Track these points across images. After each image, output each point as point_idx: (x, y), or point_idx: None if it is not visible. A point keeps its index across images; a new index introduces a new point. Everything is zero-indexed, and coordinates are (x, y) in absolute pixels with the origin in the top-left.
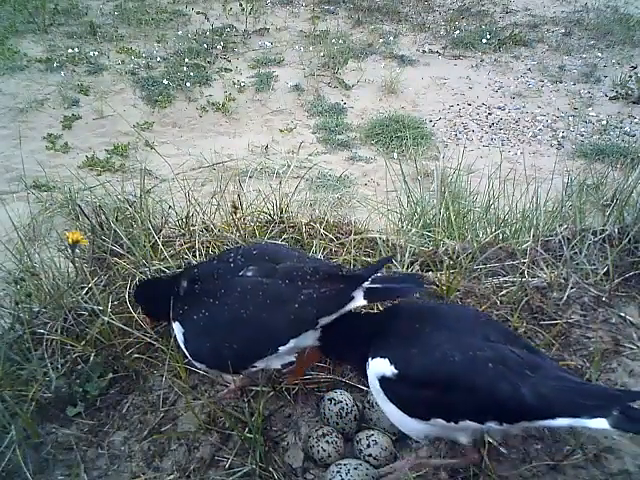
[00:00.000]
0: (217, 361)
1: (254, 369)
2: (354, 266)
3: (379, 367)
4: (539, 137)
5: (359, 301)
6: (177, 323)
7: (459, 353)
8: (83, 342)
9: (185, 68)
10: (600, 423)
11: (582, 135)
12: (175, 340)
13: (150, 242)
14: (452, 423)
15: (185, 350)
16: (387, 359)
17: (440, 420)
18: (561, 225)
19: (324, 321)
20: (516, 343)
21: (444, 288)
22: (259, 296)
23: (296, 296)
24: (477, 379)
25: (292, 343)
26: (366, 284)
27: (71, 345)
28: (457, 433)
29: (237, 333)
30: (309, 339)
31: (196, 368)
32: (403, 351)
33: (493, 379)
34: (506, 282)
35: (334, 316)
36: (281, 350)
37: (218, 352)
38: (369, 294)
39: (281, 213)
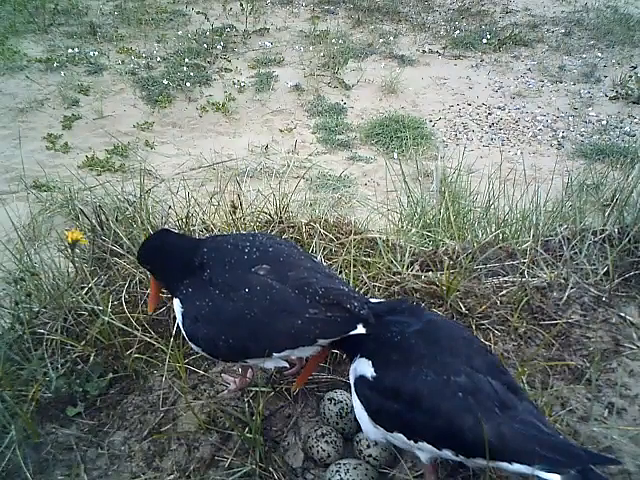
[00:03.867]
0: (211, 349)
1: (245, 364)
2: (354, 267)
3: (362, 367)
4: (539, 137)
5: (360, 330)
6: (178, 300)
7: (433, 373)
8: (83, 342)
9: (185, 68)
10: (554, 479)
11: (582, 135)
12: (175, 339)
13: None
14: (412, 441)
15: (182, 327)
16: (371, 361)
17: (401, 435)
18: (561, 225)
19: (323, 342)
20: (498, 377)
21: (444, 288)
22: (266, 299)
23: (302, 312)
24: (442, 404)
25: (287, 352)
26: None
27: (71, 345)
28: (416, 450)
29: (236, 331)
30: (305, 352)
31: (187, 355)
32: (385, 357)
33: (458, 408)
34: (506, 282)
35: (334, 339)
36: (275, 356)
37: (213, 341)
38: (370, 325)
39: (281, 213)
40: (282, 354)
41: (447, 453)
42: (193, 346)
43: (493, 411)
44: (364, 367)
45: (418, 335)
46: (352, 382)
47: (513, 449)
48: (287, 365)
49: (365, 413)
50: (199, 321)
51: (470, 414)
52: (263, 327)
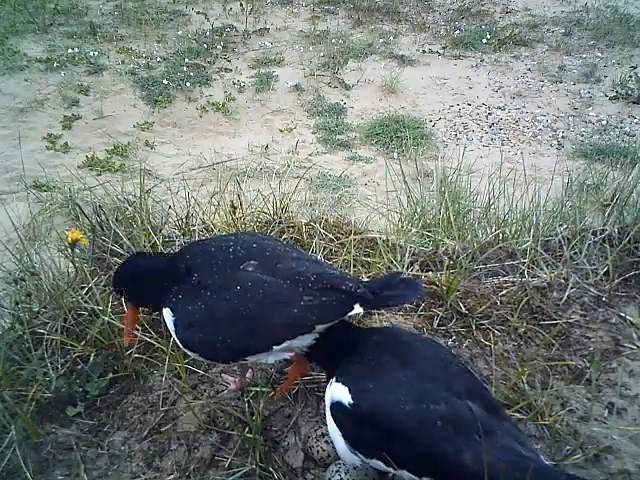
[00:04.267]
0: (208, 352)
1: (244, 362)
2: (354, 266)
3: (338, 392)
4: (539, 137)
5: (357, 310)
6: (168, 309)
7: (412, 401)
8: (83, 342)
9: (185, 68)
10: None
11: (582, 135)
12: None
13: (150, 242)
14: (391, 469)
15: (175, 336)
16: (347, 387)
17: (380, 463)
18: (561, 225)
19: (321, 327)
20: (478, 399)
21: (444, 288)
22: (259, 294)
23: (296, 301)
24: (421, 434)
25: (287, 344)
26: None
27: (71, 345)
28: (397, 475)
29: (233, 329)
30: (305, 341)
31: (187, 355)
32: (362, 383)
33: (437, 438)
34: (506, 282)
35: (332, 323)
36: (275, 349)
37: (210, 344)
38: (367, 302)
39: (281, 213)
40: (282, 346)
41: None
42: (189, 352)
43: (473, 438)
44: (341, 393)
45: (395, 359)
46: (328, 406)
47: (494, 477)
48: (289, 358)
49: (342, 439)
50: (193, 326)
51: (449, 443)
52: (260, 321)
